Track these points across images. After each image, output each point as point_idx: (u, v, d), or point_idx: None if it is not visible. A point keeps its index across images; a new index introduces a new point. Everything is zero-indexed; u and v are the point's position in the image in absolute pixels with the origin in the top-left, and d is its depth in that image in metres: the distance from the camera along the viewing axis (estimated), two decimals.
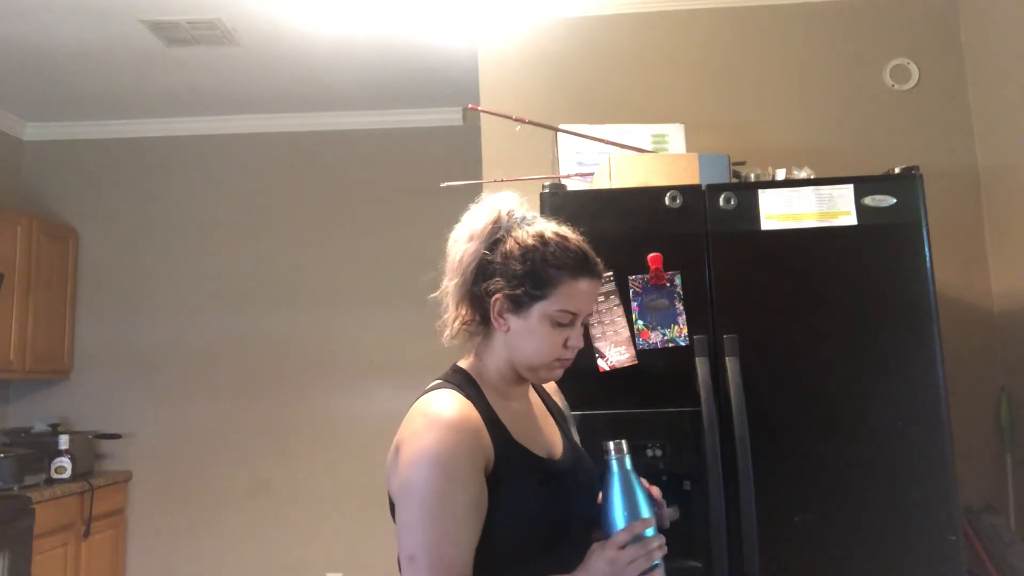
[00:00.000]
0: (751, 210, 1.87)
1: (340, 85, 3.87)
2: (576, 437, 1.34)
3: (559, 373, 1.22)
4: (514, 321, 1.18)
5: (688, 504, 1.76)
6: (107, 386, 4.13)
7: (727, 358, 1.78)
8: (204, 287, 4.20)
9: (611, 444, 1.08)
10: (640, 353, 1.83)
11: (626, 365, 1.82)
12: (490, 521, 1.07)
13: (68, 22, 3.14)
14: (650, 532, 1.05)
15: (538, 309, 1.16)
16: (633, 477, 1.08)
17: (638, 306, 1.85)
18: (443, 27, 3.25)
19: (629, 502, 1.06)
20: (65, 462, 3.62)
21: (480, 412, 1.14)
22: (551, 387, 1.39)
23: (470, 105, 2.65)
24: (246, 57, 3.51)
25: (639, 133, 2.36)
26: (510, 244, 1.19)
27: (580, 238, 1.23)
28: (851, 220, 1.86)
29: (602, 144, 2.30)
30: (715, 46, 2.88)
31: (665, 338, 1.83)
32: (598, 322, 1.85)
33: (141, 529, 4.01)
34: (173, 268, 4.22)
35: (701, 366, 1.78)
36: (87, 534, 3.60)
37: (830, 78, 2.82)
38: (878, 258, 1.85)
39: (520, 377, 1.22)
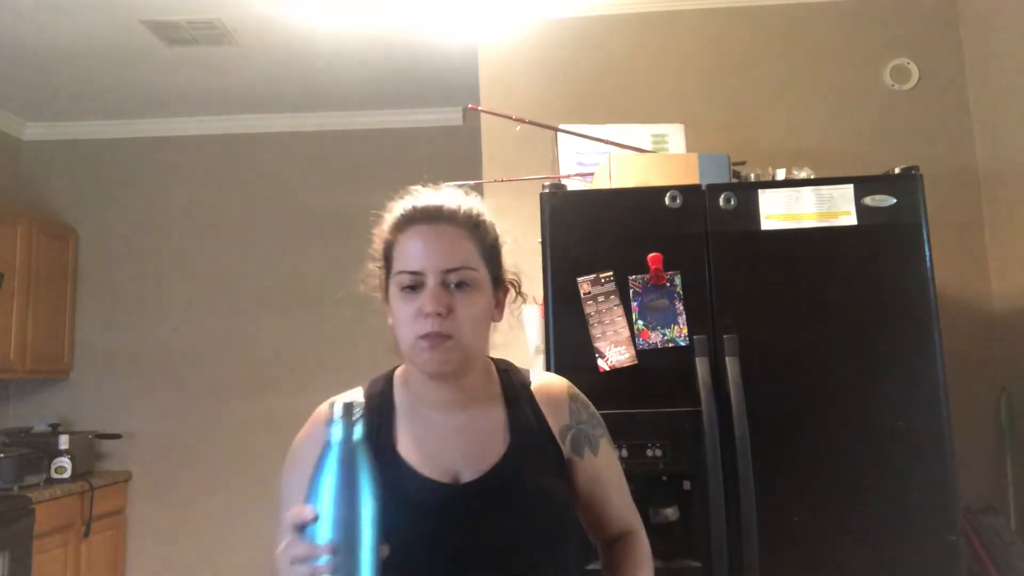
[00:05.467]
0: (751, 210, 1.87)
1: (340, 85, 3.87)
2: (565, 455, 1.10)
3: (430, 356, 1.00)
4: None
5: (688, 504, 1.76)
6: (107, 386, 4.13)
7: (727, 358, 1.78)
8: (204, 287, 4.20)
9: (335, 406, 0.82)
10: (640, 353, 1.83)
11: (626, 365, 1.82)
12: None
13: (68, 22, 3.15)
14: (325, 532, 0.78)
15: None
16: (359, 455, 0.81)
17: (638, 306, 1.85)
18: (443, 27, 3.25)
19: (342, 483, 0.80)
20: (65, 462, 3.63)
21: (368, 411, 1.06)
22: (553, 400, 1.14)
23: (470, 105, 2.65)
24: (246, 57, 3.51)
25: (639, 133, 2.36)
26: None
27: None
28: (851, 220, 1.86)
29: (602, 144, 2.30)
30: (715, 46, 2.88)
31: (665, 338, 1.83)
32: (598, 322, 1.85)
33: (141, 529, 4.01)
34: (173, 268, 4.22)
35: (701, 366, 1.78)
36: (87, 534, 3.60)
37: (830, 78, 2.82)
38: (878, 258, 1.85)
39: (444, 381, 1.06)
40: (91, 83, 3.78)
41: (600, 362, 1.82)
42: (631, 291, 1.85)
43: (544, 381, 1.17)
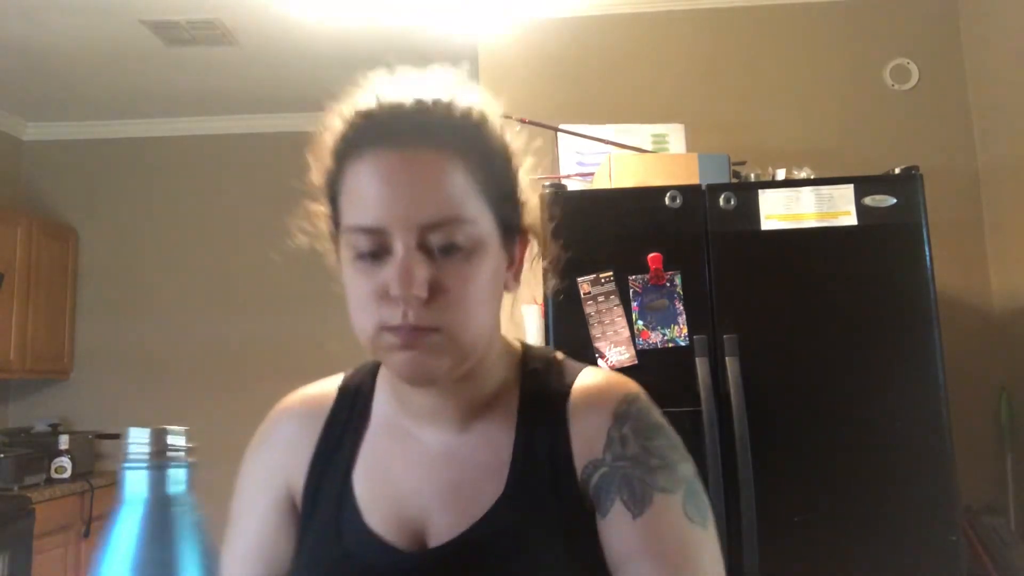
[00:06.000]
0: (751, 210, 1.87)
1: (340, 85, 3.87)
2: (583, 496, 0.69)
3: (402, 358, 0.64)
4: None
5: None
6: (107, 386, 4.13)
7: (727, 358, 1.78)
8: (204, 287, 4.20)
9: (131, 435, 0.48)
10: (640, 353, 1.83)
11: (626, 365, 1.82)
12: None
13: (68, 22, 3.14)
14: None
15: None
16: (177, 522, 0.47)
17: (638, 306, 1.85)
18: (443, 27, 3.25)
19: (143, 566, 0.46)
20: (65, 462, 3.62)
21: (334, 413, 0.78)
22: (588, 417, 0.71)
23: None
24: (246, 57, 3.51)
25: (639, 133, 2.36)
26: None
27: None
28: (851, 220, 1.86)
29: (602, 144, 2.30)
30: (715, 46, 2.88)
31: (665, 338, 1.83)
32: (598, 322, 1.85)
33: None
34: (173, 268, 4.22)
35: (701, 366, 1.78)
36: (87, 534, 3.60)
37: (830, 78, 2.82)
38: (878, 258, 1.85)
39: (430, 387, 0.70)
40: (91, 83, 3.78)
41: (600, 362, 1.82)
42: (631, 291, 1.85)
43: (588, 384, 0.73)
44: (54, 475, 3.59)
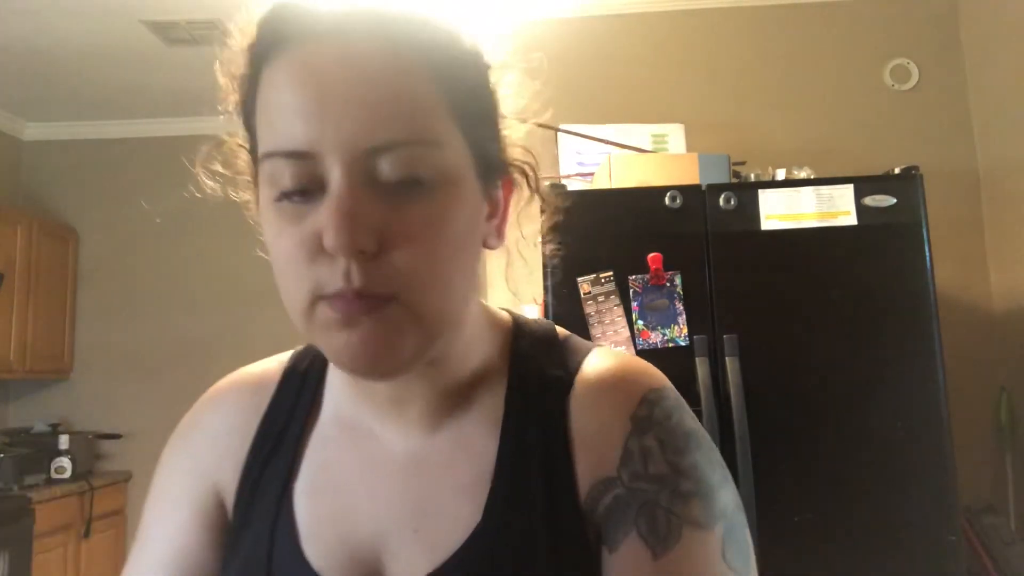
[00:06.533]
0: (751, 210, 1.87)
1: None
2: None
3: (343, 340, 0.48)
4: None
5: None
6: (107, 386, 4.13)
7: (727, 358, 1.78)
8: (205, 287, 4.20)
9: None
10: (640, 353, 1.82)
11: None
12: None
13: (68, 22, 3.14)
14: None
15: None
16: None
17: (638, 306, 1.85)
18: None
19: None
20: (65, 462, 3.62)
21: (274, 403, 0.62)
22: (597, 421, 0.55)
23: None
24: None
25: (639, 133, 2.36)
26: None
27: None
28: (851, 220, 1.86)
29: (602, 144, 2.30)
30: (715, 46, 2.88)
31: (665, 338, 1.83)
32: (598, 322, 1.85)
33: None
34: (173, 268, 4.22)
35: (701, 366, 1.78)
36: (87, 534, 3.60)
37: (830, 78, 2.82)
38: (878, 258, 1.85)
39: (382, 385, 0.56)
40: (91, 83, 3.78)
41: None
42: (631, 291, 1.85)
43: (599, 372, 0.58)
44: (54, 475, 3.59)
